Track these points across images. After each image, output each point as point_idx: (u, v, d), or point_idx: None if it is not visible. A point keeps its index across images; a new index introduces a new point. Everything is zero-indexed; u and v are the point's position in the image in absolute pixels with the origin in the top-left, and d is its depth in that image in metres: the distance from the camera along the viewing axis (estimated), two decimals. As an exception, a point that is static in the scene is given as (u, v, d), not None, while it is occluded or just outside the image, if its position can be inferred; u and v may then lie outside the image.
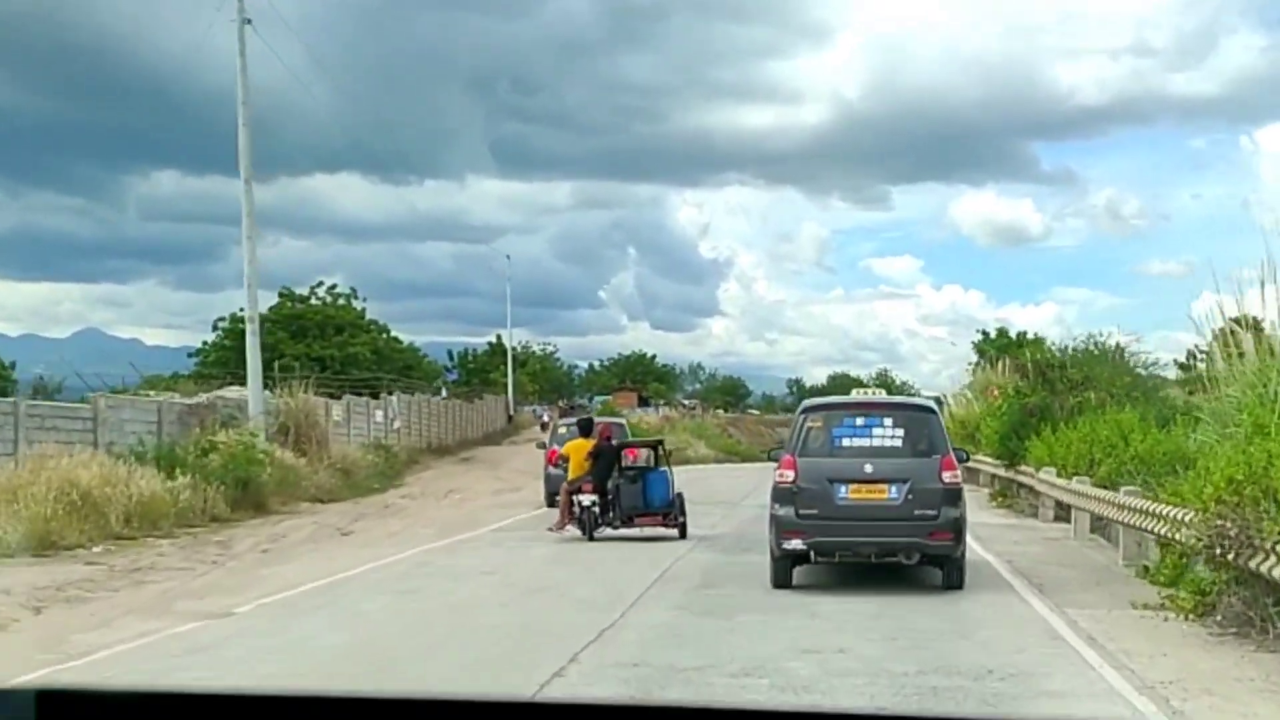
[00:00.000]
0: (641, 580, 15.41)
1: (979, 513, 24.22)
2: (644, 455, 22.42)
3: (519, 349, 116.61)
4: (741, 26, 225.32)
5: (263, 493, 25.31)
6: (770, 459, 17.02)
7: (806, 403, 17.36)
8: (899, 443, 15.01)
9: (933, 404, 18.30)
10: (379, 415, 42.26)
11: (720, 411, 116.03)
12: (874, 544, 14.58)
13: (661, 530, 20.61)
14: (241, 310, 77.48)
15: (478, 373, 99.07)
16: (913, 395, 55.48)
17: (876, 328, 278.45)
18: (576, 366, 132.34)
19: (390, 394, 48.00)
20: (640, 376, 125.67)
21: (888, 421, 15.21)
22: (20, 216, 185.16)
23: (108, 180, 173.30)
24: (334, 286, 79.39)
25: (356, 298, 79.61)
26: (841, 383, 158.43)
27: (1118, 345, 29.51)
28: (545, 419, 74.45)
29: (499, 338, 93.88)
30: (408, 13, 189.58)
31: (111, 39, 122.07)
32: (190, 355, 76.84)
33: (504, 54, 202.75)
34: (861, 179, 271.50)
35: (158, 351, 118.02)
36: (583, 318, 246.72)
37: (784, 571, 14.93)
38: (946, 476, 14.78)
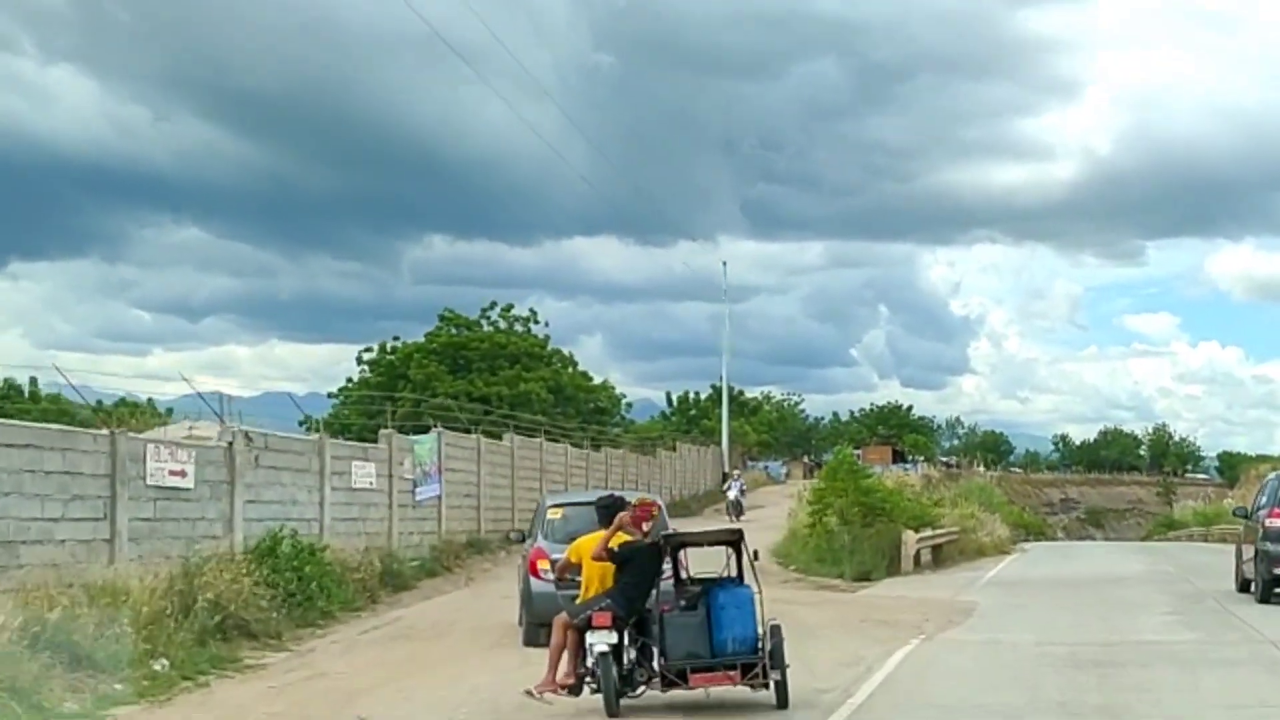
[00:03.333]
0: None
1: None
2: (727, 562, 11.16)
3: (759, 398, 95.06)
4: (987, 85, 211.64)
5: None
6: (1235, 515, 24.26)
7: None
8: None
9: None
10: (363, 475, 19.71)
11: (982, 469, 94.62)
12: None
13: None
14: (397, 339, 57.73)
15: (697, 420, 76.16)
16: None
17: (1130, 385, 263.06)
18: (822, 418, 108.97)
19: (431, 430, 25.60)
20: (895, 429, 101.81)
21: None
22: (303, 282, 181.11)
23: (381, 245, 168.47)
24: (509, 308, 57.93)
25: (536, 322, 58.08)
26: (1114, 438, 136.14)
27: None
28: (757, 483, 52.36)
29: (724, 379, 69.88)
30: (658, 78, 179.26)
31: (383, 111, 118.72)
32: (330, 395, 55.96)
33: (752, 117, 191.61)
34: (1114, 234, 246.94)
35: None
36: (835, 376, 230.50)
37: (1269, 590, 18.31)
38: None
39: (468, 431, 33.11)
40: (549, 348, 56.71)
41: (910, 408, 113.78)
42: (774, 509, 42.97)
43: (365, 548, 18.84)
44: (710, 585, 11.03)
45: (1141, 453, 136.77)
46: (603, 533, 11.01)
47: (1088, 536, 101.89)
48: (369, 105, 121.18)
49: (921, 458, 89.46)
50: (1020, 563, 32.17)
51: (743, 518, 41.28)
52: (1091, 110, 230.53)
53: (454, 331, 55.79)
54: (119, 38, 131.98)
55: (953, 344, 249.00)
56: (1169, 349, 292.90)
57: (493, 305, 57.88)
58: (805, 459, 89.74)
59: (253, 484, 16.51)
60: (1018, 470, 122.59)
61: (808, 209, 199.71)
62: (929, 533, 29.47)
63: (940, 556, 31.05)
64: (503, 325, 56.97)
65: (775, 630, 10.66)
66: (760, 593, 10.75)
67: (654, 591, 10.88)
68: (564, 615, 10.85)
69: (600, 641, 10.48)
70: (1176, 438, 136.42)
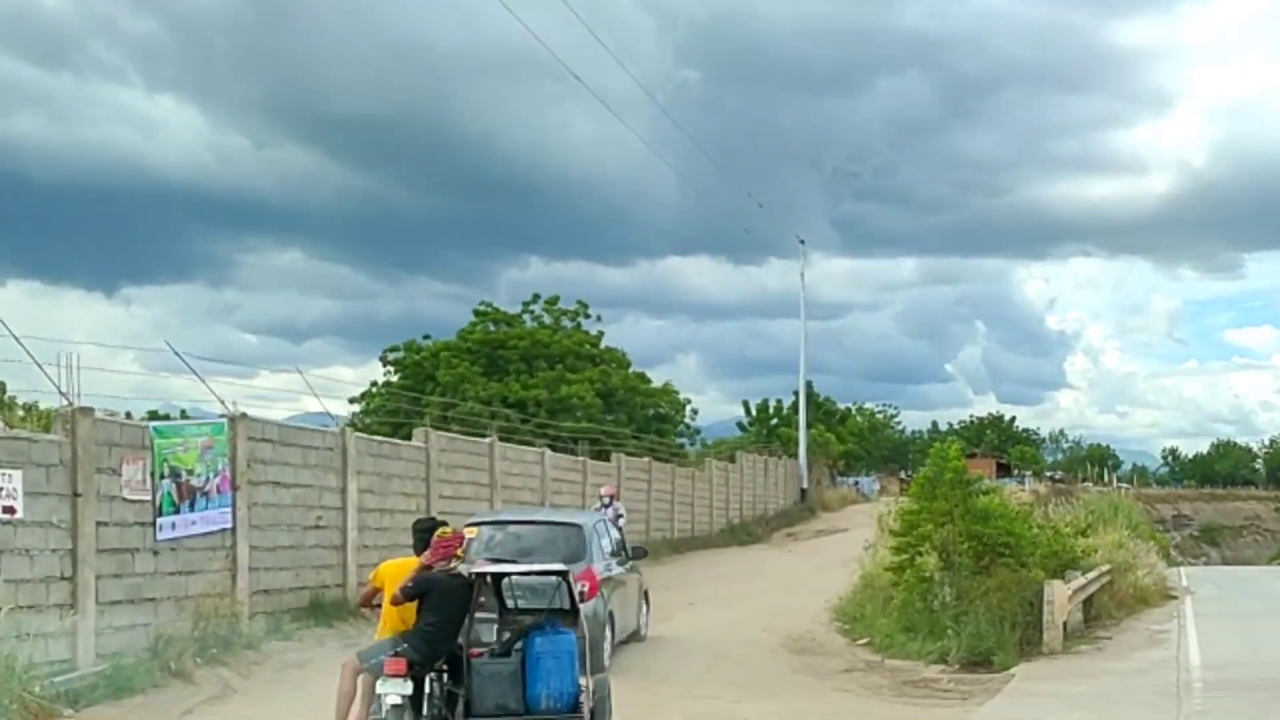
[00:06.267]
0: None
1: None
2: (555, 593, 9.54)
3: (850, 408, 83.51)
4: (1077, 97, 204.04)
5: None
6: None
7: None
8: None
9: None
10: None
11: (1089, 485, 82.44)
12: None
13: None
14: (427, 338, 47.27)
15: (776, 429, 64.90)
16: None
17: (1231, 399, 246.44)
18: (919, 431, 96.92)
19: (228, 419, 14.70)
20: (997, 442, 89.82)
21: None
22: (402, 303, 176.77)
23: (478, 266, 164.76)
24: (555, 301, 47.39)
25: (587, 316, 47.48)
26: (1227, 451, 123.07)
27: None
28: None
29: (810, 384, 58.36)
30: (744, 94, 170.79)
31: (478, 134, 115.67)
32: (352, 400, 45.48)
33: (840, 132, 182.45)
34: (1211, 247, 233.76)
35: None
36: (930, 392, 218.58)
37: None
38: None
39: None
40: (601, 345, 46.21)
41: (1013, 419, 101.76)
42: (857, 534, 31.79)
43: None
44: (531, 629, 9.22)
45: (1256, 466, 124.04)
46: (415, 560, 9.29)
47: (1203, 555, 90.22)
48: (464, 128, 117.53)
49: (1029, 471, 77.39)
50: (1210, 620, 20.62)
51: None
52: (1184, 122, 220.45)
53: (490, 328, 45.61)
54: (220, 68, 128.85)
55: (1050, 359, 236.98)
56: (1270, 362, 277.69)
57: (535, 298, 47.54)
58: (901, 474, 78.34)
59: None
60: (1125, 485, 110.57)
61: (899, 224, 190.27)
62: (1080, 580, 18.10)
63: (1090, 610, 19.74)
64: (547, 320, 46.72)
65: (601, 684, 9.39)
66: (586, 639, 9.22)
67: (463, 632, 9.09)
68: (353, 659, 9.14)
69: (392, 692, 8.72)
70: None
